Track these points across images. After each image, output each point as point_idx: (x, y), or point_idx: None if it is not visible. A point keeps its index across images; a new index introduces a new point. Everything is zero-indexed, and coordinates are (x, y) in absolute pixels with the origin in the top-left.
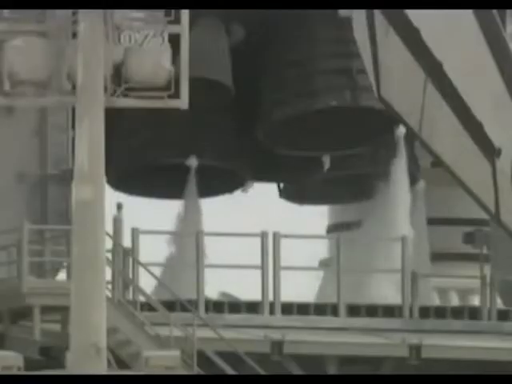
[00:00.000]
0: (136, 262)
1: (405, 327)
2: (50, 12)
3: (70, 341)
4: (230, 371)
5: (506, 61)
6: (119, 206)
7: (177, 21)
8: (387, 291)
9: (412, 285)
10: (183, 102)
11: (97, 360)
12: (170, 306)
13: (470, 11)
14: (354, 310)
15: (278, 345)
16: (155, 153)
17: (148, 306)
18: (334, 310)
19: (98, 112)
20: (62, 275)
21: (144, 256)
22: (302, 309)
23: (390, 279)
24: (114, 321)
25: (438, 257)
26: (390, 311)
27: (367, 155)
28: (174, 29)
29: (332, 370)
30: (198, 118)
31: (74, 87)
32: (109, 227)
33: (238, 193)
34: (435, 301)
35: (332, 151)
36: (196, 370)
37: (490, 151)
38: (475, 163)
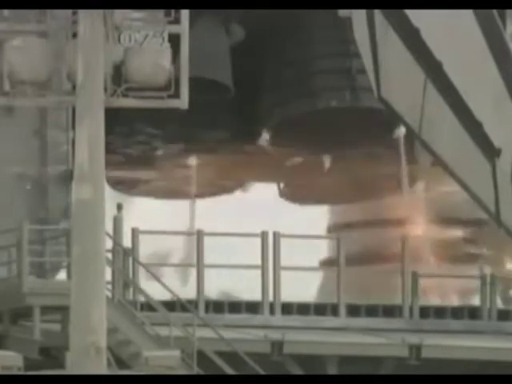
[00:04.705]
0: (136, 262)
1: (405, 327)
2: (50, 12)
3: (70, 341)
4: (229, 371)
5: (506, 61)
6: (119, 206)
7: (177, 21)
8: None
9: (412, 285)
10: (183, 102)
11: (97, 360)
12: (170, 306)
13: (470, 11)
14: (353, 310)
15: (278, 345)
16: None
17: (148, 306)
18: (333, 310)
19: (98, 112)
20: (62, 275)
21: (144, 256)
22: (302, 309)
23: None
24: (114, 321)
25: (437, 257)
26: (389, 311)
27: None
28: (174, 29)
29: (332, 370)
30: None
31: (74, 87)
32: (109, 227)
33: (237, 193)
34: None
35: (332, 151)
36: (196, 370)
37: (490, 151)
38: (475, 163)
